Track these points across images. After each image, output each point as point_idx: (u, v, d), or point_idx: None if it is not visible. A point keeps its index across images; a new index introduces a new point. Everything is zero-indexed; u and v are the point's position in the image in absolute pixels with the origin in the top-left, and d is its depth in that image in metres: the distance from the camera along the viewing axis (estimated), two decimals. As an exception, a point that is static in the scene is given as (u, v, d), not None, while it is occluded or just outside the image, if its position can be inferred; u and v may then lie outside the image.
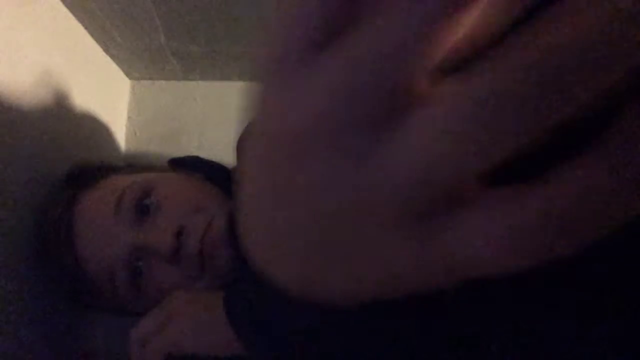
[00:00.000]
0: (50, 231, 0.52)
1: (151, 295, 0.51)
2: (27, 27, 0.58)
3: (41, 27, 0.61)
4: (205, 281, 0.48)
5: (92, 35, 0.76)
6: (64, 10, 0.68)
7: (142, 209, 0.49)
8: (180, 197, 0.50)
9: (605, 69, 0.10)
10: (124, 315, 0.57)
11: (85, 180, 0.56)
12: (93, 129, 0.76)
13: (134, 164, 0.60)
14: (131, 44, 0.80)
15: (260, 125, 0.14)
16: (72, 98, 0.68)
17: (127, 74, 0.91)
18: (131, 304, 0.53)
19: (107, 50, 0.81)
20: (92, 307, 0.59)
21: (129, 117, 0.88)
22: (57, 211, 0.52)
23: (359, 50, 0.12)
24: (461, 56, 0.12)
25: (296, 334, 0.36)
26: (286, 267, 0.15)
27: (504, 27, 0.12)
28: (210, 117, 0.75)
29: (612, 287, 0.21)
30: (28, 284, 0.56)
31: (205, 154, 0.70)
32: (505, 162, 0.11)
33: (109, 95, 0.83)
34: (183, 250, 0.47)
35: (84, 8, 0.69)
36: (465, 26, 0.11)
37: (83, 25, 0.73)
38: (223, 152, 0.71)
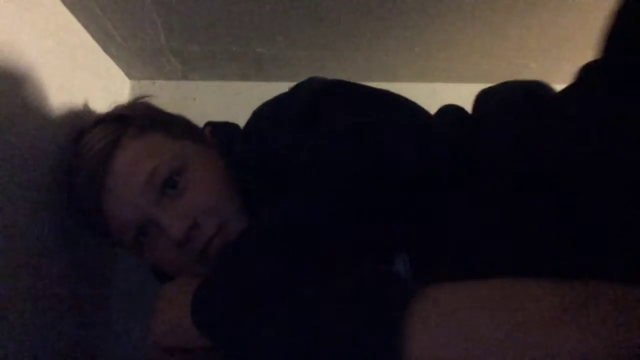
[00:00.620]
0: (85, 166, 0.56)
1: (151, 256, 0.57)
2: (27, 27, 0.58)
3: (41, 27, 0.61)
4: (198, 268, 0.54)
5: (92, 35, 0.76)
6: (64, 10, 0.68)
7: (170, 183, 0.55)
8: (206, 189, 0.55)
9: None
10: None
11: (130, 123, 0.58)
12: (93, 129, 0.75)
13: (177, 123, 0.63)
14: (131, 44, 0.80)
15: None
16: (72, 98, 0.68)
17: (127, 74, 0.91)
18: (136, 254, 0.59)
19: (107, 50, 0.81)
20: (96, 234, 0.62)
21: (129, 117, 0.88)
22: (98, 146, 0.55)
23: None
24: None
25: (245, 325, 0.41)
26: None
27: None
28: (210, 117, 0.75)
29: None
30: (29, 288, 0.56)
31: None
32: None
33: (109, 95, 0.83)
34: (189, 243, 0.53)
35: (84, 8, 0.69)
36: None
37: (83, 25, 0.73)
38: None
